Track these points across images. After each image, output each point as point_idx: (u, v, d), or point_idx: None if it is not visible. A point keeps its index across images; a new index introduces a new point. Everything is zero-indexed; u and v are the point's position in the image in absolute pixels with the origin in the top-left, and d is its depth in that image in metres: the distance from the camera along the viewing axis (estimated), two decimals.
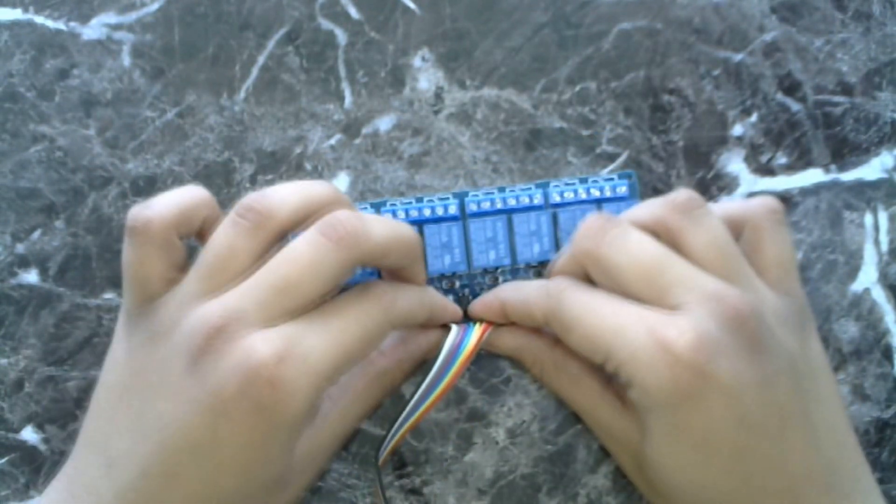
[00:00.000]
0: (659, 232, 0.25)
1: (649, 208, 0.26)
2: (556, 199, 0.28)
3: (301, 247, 0.23)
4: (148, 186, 0.30)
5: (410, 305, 0.25)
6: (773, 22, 0.30)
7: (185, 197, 0.25)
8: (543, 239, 0.28)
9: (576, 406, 0.28)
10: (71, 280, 0.30)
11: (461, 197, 0.28)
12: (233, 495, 0.23)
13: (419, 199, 0.28)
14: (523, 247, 0.28)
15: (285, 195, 0.24)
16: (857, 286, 0.30)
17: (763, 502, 0.23)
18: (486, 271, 0.28)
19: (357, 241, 0.23)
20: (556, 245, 0.28)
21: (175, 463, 0.22)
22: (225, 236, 0.24)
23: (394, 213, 0.28)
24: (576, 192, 0.28)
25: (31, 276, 0.30)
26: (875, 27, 0.30)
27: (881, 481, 0.28)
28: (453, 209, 0.28)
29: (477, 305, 0.28)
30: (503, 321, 0.28)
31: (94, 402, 0.25)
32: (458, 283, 0.28)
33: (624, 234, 0.24)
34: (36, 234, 0.30)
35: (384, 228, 0.24)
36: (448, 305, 0.28)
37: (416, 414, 0.27)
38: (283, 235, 0.24)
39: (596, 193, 0.28)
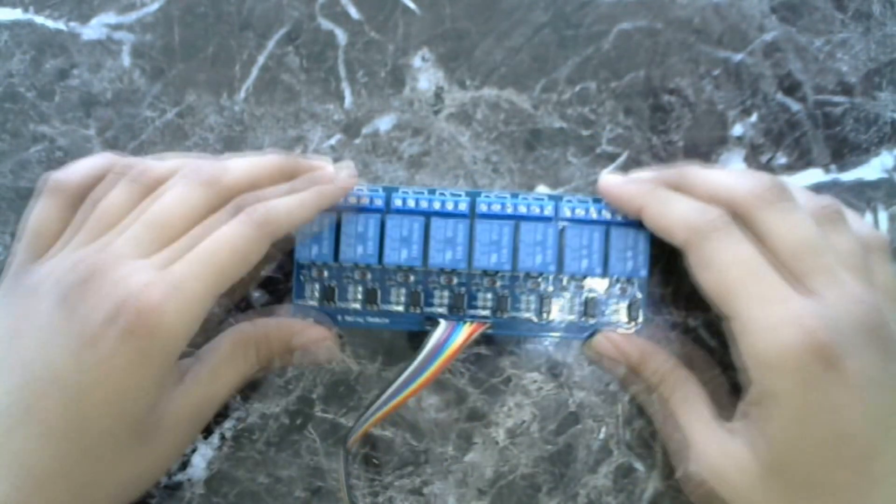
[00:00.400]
0: (736, 214, 0.25)
1: (728, 186, 0.25)
2: (567, 213, 0.28)
3: (168, 190, 0.25)
4: None
5: (287, 213, 0.25)
6: (773, 22, 0.30)
7: (95, 164, 0.27)
8: (547, 251, 0.28)
9: (673, 423, 0.27)
10: None
11: (473, 196, 0.28)
12: (96, 430, 0.22)
13: (431, 191, 0.28)
14: (526, 255, 0.28)
15: (166, 164, 0.26)
16: None
17: (873, 493, 0.23)
18: (485, 273, 0.28)
19: (217, 178, 0.25)
20: (559, 259, 0.28)
21: (36, 395, 0.22)
22: (111, 195, 0.25)
23: (404, 201, 0.28)
24: (587, 210, 0.28)
25: None
26: (875, 27, 0.30)
27: None
28: (464, 206, 0.28)
29: (619, 189, 0.27)
30: (636, 215, 0.27)
31: None
32: (455, 280, 0.28)
33: (793, 208, 0.24)
34: None
35: (243, 163, 0.26)
36: (334, 190, 0.27)
37: (391, 404, 0.27)
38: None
39: (607, 216, 0.28)
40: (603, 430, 0.29)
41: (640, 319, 0.28)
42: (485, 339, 0.29)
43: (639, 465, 0.29)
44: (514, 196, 0.28)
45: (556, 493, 0.29)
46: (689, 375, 0.27)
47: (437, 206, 0.28)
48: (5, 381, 0.22)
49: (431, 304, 0.28)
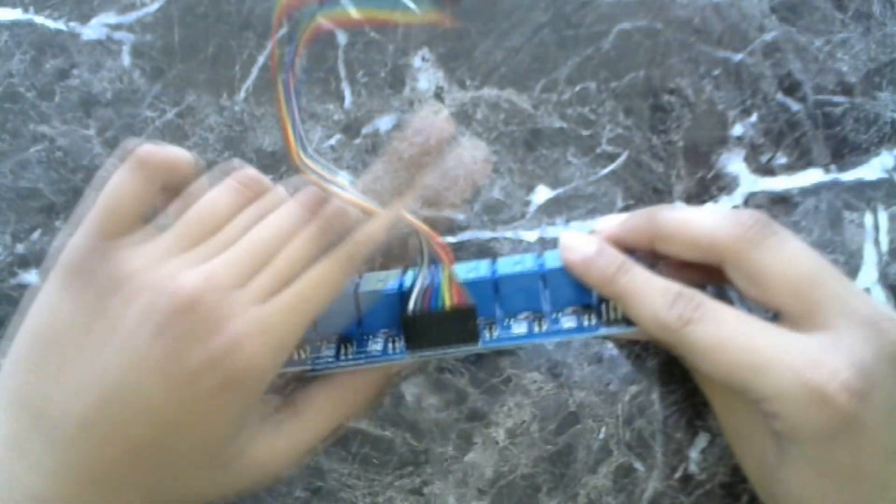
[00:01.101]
0: (723, 261, 0.24)
1: (709, 233, 0.24)
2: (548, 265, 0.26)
3: (281, 219, 0.24)
4: None
5: (370, 241, 0.24)
6: (773, 22, 0.30)
7: (185, 154, 0.25)
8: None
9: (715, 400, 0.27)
10: None
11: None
12: (178, 455, 0.23)
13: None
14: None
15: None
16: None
17: None
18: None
19: (336, 223, 0.24)
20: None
21: (125, 417, 0.22)
22: (218, 198, 0.24)
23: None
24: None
25: (31, 276, 0.30)
26: (875, 27, 0.30)
27: None
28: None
29: (586, 268, 0.25)
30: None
31: (15, 349, 0.23)
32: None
33: (783, 241, 0.23)
34: (36, 234, 0.30)
35: (374, 239, 0.24)
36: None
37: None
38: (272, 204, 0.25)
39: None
40: (603, 430, 0.29)
41: None
42: None
43: (639, 465, 0.29)
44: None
45: (556, 493, 0.29)
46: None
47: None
48: (81, 392, 0.22)
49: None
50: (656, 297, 0.24)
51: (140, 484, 0.23)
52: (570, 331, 0.26)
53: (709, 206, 0.29)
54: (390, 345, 0.26)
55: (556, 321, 0.26)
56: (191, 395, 0.22)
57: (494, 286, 0.26)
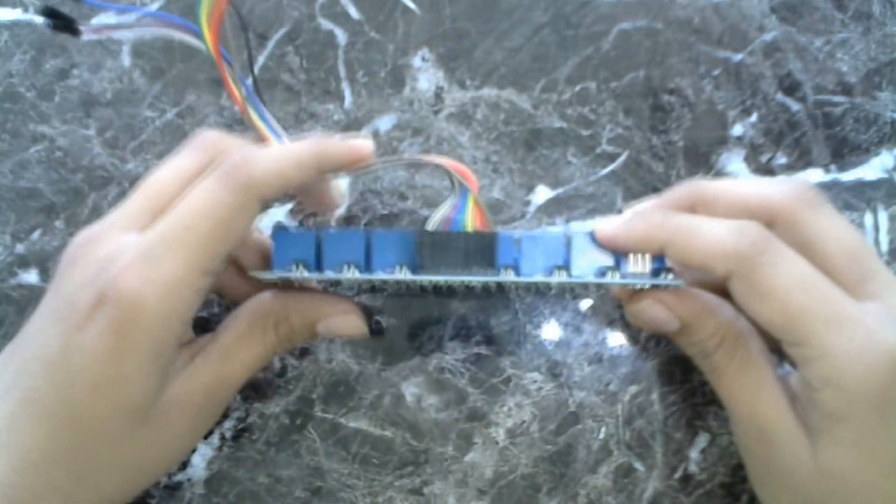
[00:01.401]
0: (774, 223, 0.23)
1: (762, 190, 0.23)
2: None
3: (196, 191, 0.22)
4: None
5: (277, 168, 0.22)
6: (773, 22, 0.30)
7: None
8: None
9: (738, 393, 0.24)
10: None
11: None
12: (88, 413, 0.22)
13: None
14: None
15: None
16: None
17: None
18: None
19: (247, 178, 0.22)
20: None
21: (31, 377, 0.22)
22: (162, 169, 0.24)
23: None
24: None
25: (31, 276, 0.30)
26: (875, 27, 0.30)
27: None
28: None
29: (627, 232, 0.23)
30: (658, 254, 0.23)
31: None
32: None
33: (834, 211, 0.23)
34: (36, 234, 0.30)
35: (275, 162, 0.23)
36: (349, 148, 0.24)
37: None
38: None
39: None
40: (603, 430, 0.29)
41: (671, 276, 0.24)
42: (485, 339, 0.29)
43: (639, 465, 0.29)
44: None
45: (556, 493, 0.29)
46: (752, 331, 0.24)
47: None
48: (9, 361, 0.23)
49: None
50: (720, 227, 0.22)
51: (65, 459, 0.22)
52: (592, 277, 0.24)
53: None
54: (398, 271, 0.24)
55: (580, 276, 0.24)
56: (81, 344, 0.21)
57: (518, 242, 0.24)
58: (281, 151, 0.23)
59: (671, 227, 0.22)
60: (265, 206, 0.23)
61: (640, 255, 0.24)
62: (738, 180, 0.25)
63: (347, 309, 0.26)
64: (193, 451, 0.29)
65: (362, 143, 0.24)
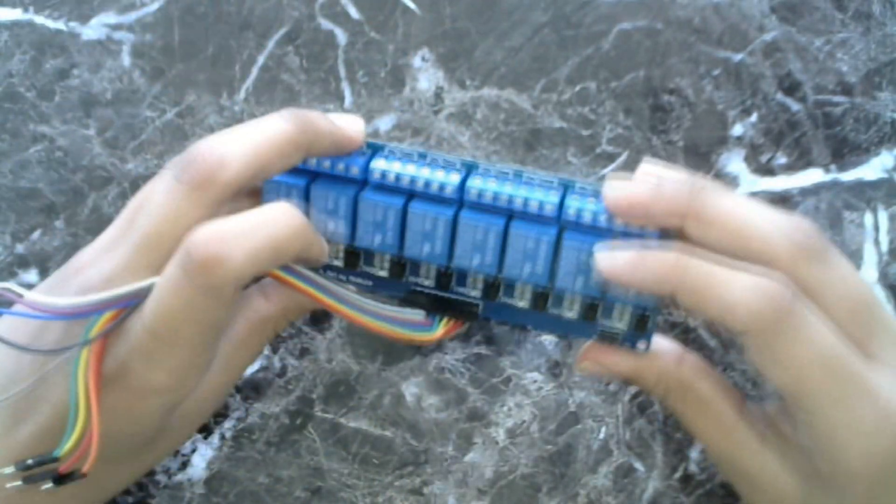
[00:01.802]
0: (770, 265, 0.21)
1: (762, 236, 0.21)
2: (571, 212, 0.23)
3: (154, 194, 0.22)
4: None
5: (254, 258, 0.20)
6: (773, 22, 0.30)
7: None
8: (538, 263, 0.23)
9: (702, 436, 0.24)
10: None
11: (469, 169, 0.24)
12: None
13: (422, 155, 0.24)
14: (513, 263, 0.24)
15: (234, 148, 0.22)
16: None
17: None
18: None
19: (212, 176, 0.21)
20: (552, 271, 0.24)
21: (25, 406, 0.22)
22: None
23: (384, 175, 0.24)
24: (595, 216, 0.23)
25: (30, 276, 0.30)
26: (875, 27, 0.30)
27: None
28: (451, 189, 0.23)
29: (636, 265, 0.21)
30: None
31: None
32: (433, 270, 0.25)
33: (837, 256, 0.21)
34: (36, 235, 0.30)
35: (244, 149, 0.21)
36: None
37: (320, 293, 0.24)
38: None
39: (619, 224, 0.23)
40: (603, 430, 0.29)
41: (647, 345, 0.24)
42: (485, 340, 0.29)
43: (639, 465, 0.29)
44: (518, 176, 0.24)
45: (556, 493, 0.29)
46: (700, 372, 0.23)
47: (420, 184, 0.24)
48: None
49: (417, 275, 0.25)
50: (741, 282, 0.20)
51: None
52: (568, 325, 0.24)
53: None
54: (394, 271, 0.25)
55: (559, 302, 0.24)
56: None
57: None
58: (256, 136, 0.22)
59: (685, 272, 0.21)
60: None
61: (622, 309, 0.24)
62: (740, 204, 0.22)
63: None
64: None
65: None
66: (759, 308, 0.20)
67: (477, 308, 0.25)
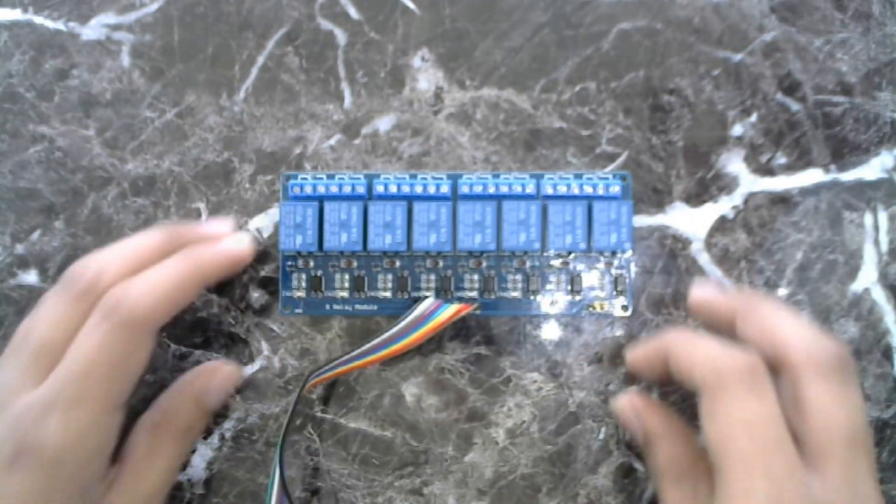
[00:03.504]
0: (781, 370, 0.23)
1: (790, 336, 0.23)
2: (549, 191, 0.28)
3: (42, 306, 0.25)
4: (147, 187, 0.30)
5: (153, 296, 0.24)
6: (773, 22, 0.30)
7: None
8: (531, 229, 0.28)
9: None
10: None
11: (455, 178, 0.29)
12: None
13: (413, 175, 0.29)
14: (509, 234, 0.28)
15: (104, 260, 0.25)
16: (856, 286, 0.30)
17: None
18: (470, 254, 0.29)
19: (93, 284, 0.24)
20: (543, 236, 0.28)
21: None
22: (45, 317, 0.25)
23: (385, 187, 0.28)
24: (569, 186, 0.28)
25: (30, 277, 0.30)
26: (875, 27, 0.30)
27: (881, 481, 0.28)
28: (445, 189, 0.28)
29: (646, 349, 0.26)
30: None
31: None
32: (441, 263, 0.29)
33: (848, 386, 0.22)
34: (35, 235, 0.30)
35: (119, 255, 0.25)
36: (224, 255, 0.27)
37: (357, 362, 0.27)
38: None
39: (589, 190, 0.28)
40: (603, 430, 0.29)
41: (628, 303, 0.29)
42: (485, 340, 0.29)
43: (639, 465, 0.29)
44: (496, 176, 0.29)
45: (556, 494, 0.29)
46: (661, 449, 0.26)
47: (418, 189, 0.28)
48: None
49: (419, 289, 0.29)
50: (725, 347, 0.23)
51: None
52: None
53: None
54: (399, 293, 0.29)
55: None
56: (14, 487, 0.22)
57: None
58: (158, 278, 0.25)
59: (680, 338, 0.24)
60: (157, 332, 0.25)
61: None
62: (780, 310, 0.24)
63: (216, 367, 0.28)
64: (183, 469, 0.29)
65: (236, 245, 0.27)
66: (715, 364, 0.22)
67: (476, 305, 0.28)
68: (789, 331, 0.23)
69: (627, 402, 0.27)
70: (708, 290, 0.26)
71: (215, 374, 0.28)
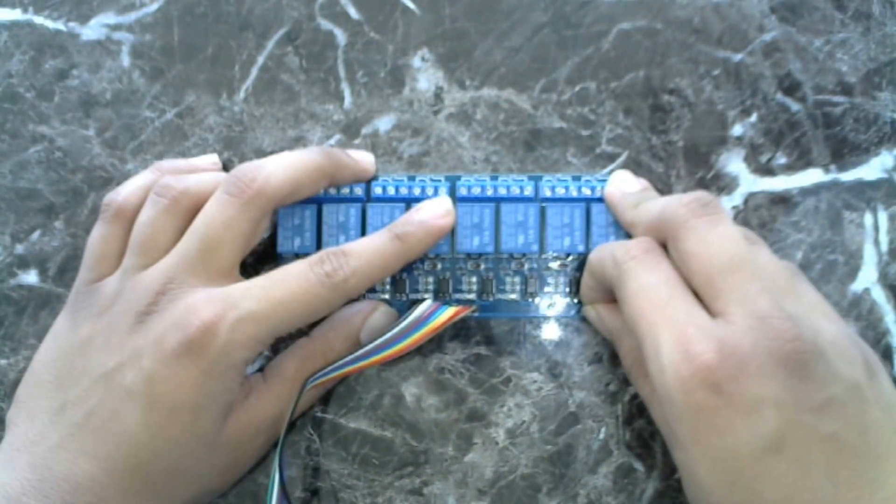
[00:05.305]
0: (666, 238, 0.24)
1: (656, 210, 0.25)
2: (547, 193, 0.28)
3: (211, 209, 0.26)
4: None
5: (364, 276, 0.25)
6: (773, 22, 0.30)
7: (138, 182, 0.28)
8: (529, 231, 0.28)
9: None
10: (70, 281, 0.29)
11: (453, 180, 0.29)
12: (164, 433, 0.24)
13: (411, 178, 0.29)
14: (508, 236, 0.28)
15: (200, 176, 0.27)
16: (856, 286, 0.30)
17: None
18: (469, 256, 0.29)
19: (260, 192, 0.25)
20: (541, 238, 0.28)
21: (116, 404, 0.24)
22: (147, 216, 0.26)
23: (384, 189, 0.28)
24: (567, 188, 0.29)
25: (30, 277, 0.30)
26: (875, 27, 0.30)
27: None
28: (443, 191, 0.28)
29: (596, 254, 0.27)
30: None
31: (30, 374, 0.26)
32: (439, 265, 0.29)
33: (712, 224, 0.23)
34: (35, 235, 0.30)
35: (284, 170, 0.26)
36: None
37: (356, 365, 0.27)
38: (199, 207, 0.26)
39: (587, 192, 0.28)
40: (603, 430, 0.29)
41: None
42: (485, 340, 0.29)
43: (639, 465, 0.29)
44: (494, 178, 0.29)
45: (556, 494, 0.29)
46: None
47: (417, 191, 0.28)
48: (88, 387, 0.25)
49: (416, 290, 0.29)
50: (608, 252, 0.25)
51: (142, 470, 0.24)
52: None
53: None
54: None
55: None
56: (165, 372, 0.24)
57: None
58: (291, 158, 0.26)
59: (590, 257, 0.27)
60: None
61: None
62: (655, 199, 0.27)
63: (374, 306, 0.28)
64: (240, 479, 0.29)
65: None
66: (613, 256, 0.25)
67: (474, 307, 0.28)
68: (659, 206, 0.25)
69: (592, 310, 0.28)
70: (615, 187, 0.28)
71: (373, 313, 0.28)
